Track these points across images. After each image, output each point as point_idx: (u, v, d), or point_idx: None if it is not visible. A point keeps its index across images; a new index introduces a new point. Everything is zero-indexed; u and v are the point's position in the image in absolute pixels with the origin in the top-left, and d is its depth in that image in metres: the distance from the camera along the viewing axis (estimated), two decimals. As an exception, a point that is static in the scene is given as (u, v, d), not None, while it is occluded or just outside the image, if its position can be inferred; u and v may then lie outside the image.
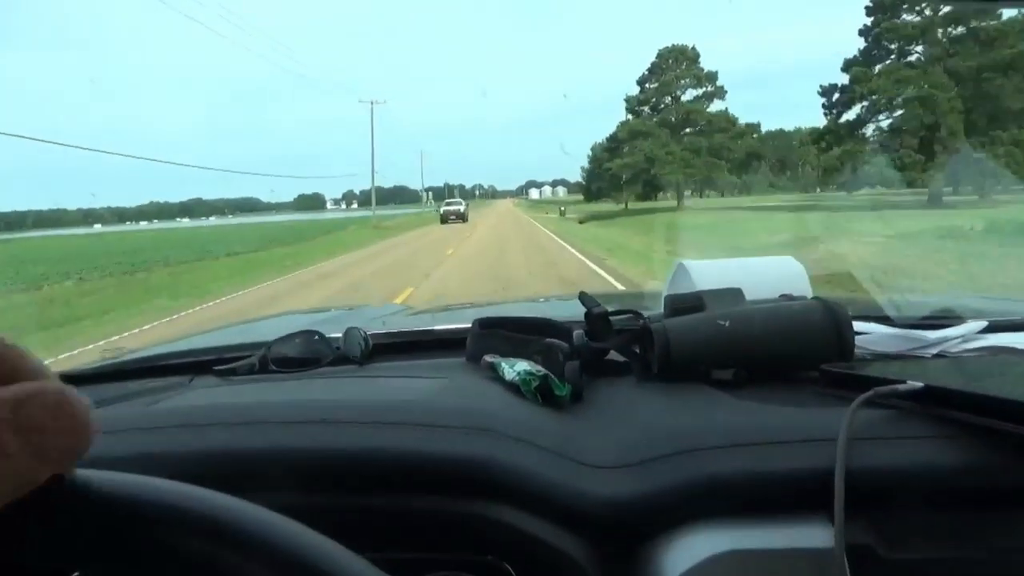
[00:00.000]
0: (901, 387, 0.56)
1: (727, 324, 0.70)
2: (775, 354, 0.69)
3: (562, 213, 39.06)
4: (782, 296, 0.79)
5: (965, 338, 0.90)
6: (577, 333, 0.80)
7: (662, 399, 0.66)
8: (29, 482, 0.23)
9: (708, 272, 0.86)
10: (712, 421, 0.59)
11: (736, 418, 0.58)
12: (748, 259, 0.89)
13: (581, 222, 29.04)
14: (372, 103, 47.71)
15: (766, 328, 0.69)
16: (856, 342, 0.87)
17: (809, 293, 0.82)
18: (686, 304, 0.75)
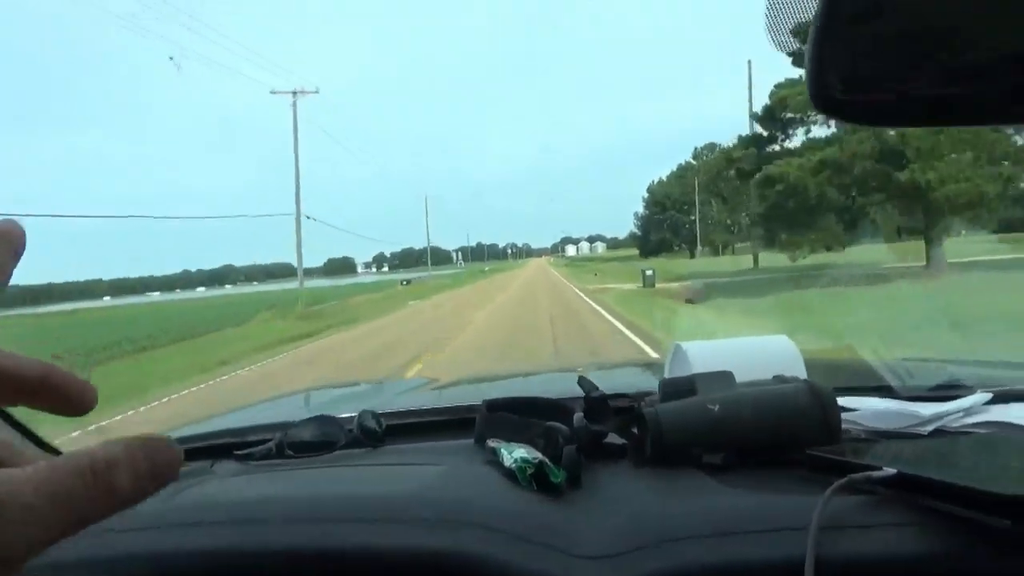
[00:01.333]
0: (875, 474, 0.61)
1: (717, 409, 0.76)
2: (763, 438, 0.74)
3: (647, 279, 22.73)
4: (775, 377, 0.85)
5: (968, 411, 0.93)
6: (577, 416, 0.86)
7: (653, 485, 0.72)
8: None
9: (704, 353, 0.92)
10: (697, 509, 0.64)
11: (719, 506, 0.64)
12: (743, 339, 0.95)
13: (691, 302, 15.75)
14: (426, 198, 58.72)
15: (754, 412, 0.75)
16: (854, 419, 0.91)
17: (803, 373, 0.88)
18: (679, 388, 0.81)
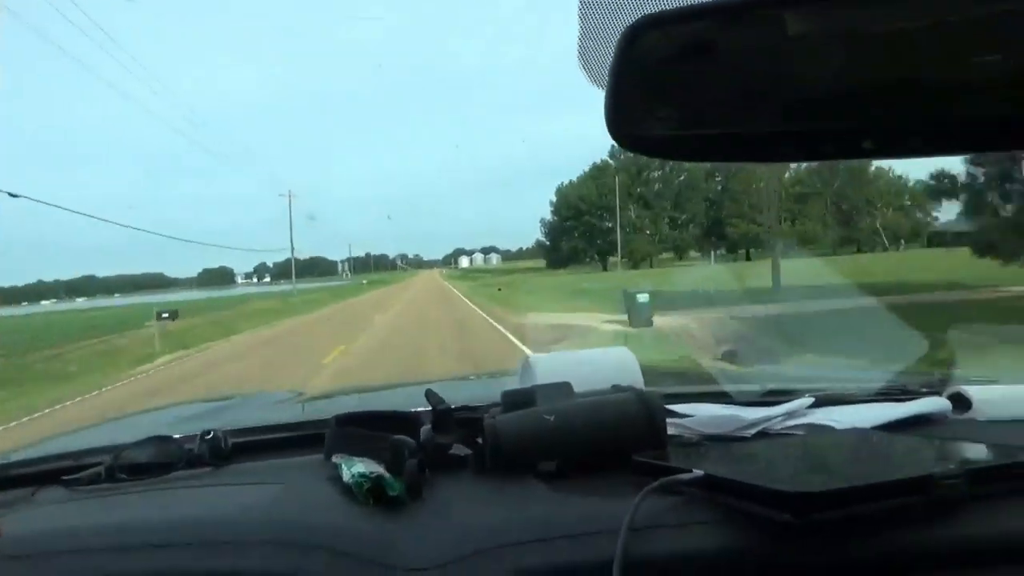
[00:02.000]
0: (684, 476, 0.67)
1: (552, 418, 0.80)
2: (595, 445, 0.80)
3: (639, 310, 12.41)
4: (613, 387, 0.91)
5: (791, 415, 1.04)
6: (424, 429, 0.88)
7: (489, 494, 0.75)
8: None
9: (550, 366, 0.97)
10: (524, 515, 0.68)
11: (544, 512, 0.68)
12: (586, 351, 1.02)
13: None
14: (290, 195, 53.07)
15: (586, 421, 0.80)
16: (687, 424, 0.99)
17: (640, 382, 0.95)
18: (519, 399, 0.85)
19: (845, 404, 1.10)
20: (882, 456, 0.77)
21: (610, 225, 60.78)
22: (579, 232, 64.13)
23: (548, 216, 66.30)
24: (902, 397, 1.11)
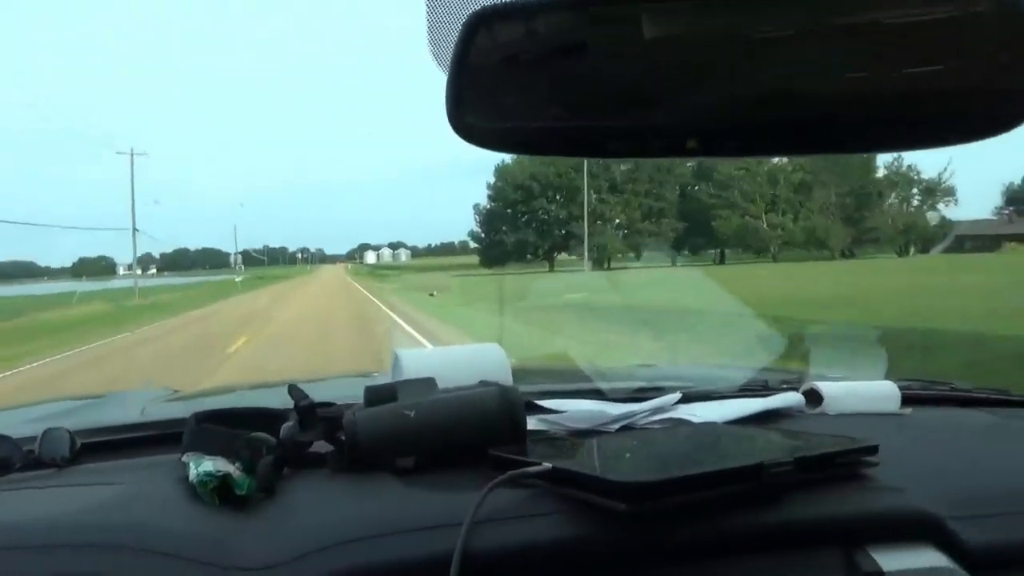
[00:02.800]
0: (530, 469, 0.70)
1: (413, 414, 0.81)
2: (455, 440, 0.81)
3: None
4: (480, 382, 0.93)
5: (656, 410, 1.10)
6: (286, 426, 0.87)
7: (342, 491, 0.75)
8: None
9: (419, 361, 0.98)
10: (372, 511, 0.68)
11: (391, 507, 0.69)
12: (457, 347, 1.04)
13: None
14: (132, 152, 41.72)
15: (446, 416, 0.82)
16: (556, 420, 1.03)
17: (508, 378, 0.97)
18: (381, 395, 0.85)
19: (710, 400, 1.18)
20: (720, 447, 0.83)
21: (567, 213, 49.38)
22: (527, 221, 51.10)
23: (484, 203, 51.98)
24: (762, 393, 1.20)
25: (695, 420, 1.03)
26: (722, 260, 49.40)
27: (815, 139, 0.52)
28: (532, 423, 1.04)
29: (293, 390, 0.89)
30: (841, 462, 0.76)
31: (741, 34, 0.51)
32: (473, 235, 49.41)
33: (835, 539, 0.70)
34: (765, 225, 49.41)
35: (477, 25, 0.49)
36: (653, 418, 1.07)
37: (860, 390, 1.19)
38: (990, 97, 0.51)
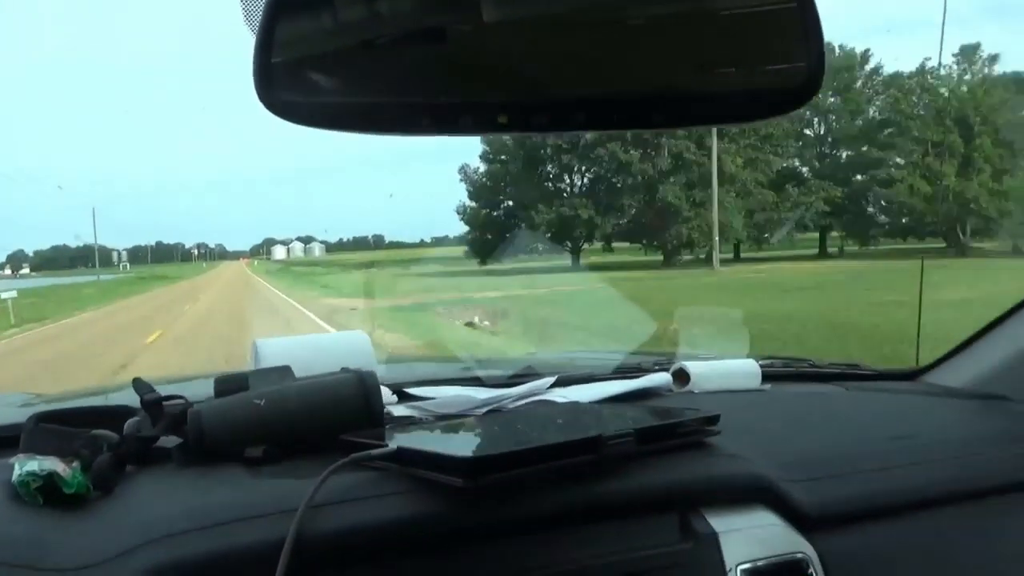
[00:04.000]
0: (375, 451, 0.72)
1: (263, 403, 0.82)
2: (309, 428, 0.82)
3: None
4: (342, 370, 0.94)
5: (526, 394, 1.14)
6: (131, 421, 0.86)
7: (184, 485, 0.75)
8: None
9: (279, 350, 0.98)
10: (205, 503, 0.69)
11: (229, 498, 0.69)
12: (320, 335, 1.05)
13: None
14: None
15: (299, 403, 0.83)
16: (425, 407, 1.06)
17: (373, 365, 0.99)
18: (231, 385, 0.85)
19: (584, 383, 1.23)
20: (568, 423, 0.88)
21: (649, 170, 28.28)
22: (557, 185, 31.58)
23: (479, 165, 32.41)
24: (635, 375, 1.26)
25: (561, 401, 1.08)
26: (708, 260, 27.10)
27: (622, 115, 0.57)
28: (401, 410, 1.06)
29: (138, 384, 0.88)
30: (683, 432, 0.82)
31: (547, 15, 0.55)
32: (463, 212, 33.79)
33: (673, 505, 0.76)
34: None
35: None
36: (521, 402, 1.12)
37: (724, 369, 1.28)
38: (781, 78, 0.57)
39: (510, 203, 35.63)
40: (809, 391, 1.29)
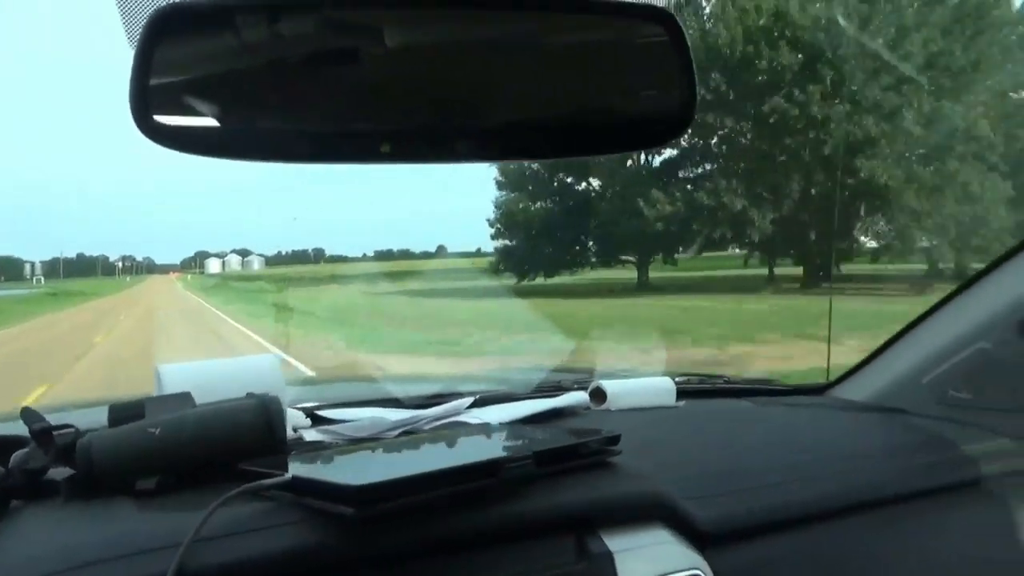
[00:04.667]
0: (267, 481, 0.72)
1: (158, 431, 0.80)
2: (207, 457, 0.81)
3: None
4: (248, 395, 0.93)
5: (443, 415, 1.15)
6: (18, 453, 0.83)
7: (70, 519, 0.73)
8: None
9: (182, 376, 0.97)
10: (87, 539, 0.67)
11: (115, 533, 0.68)
12: (228, 360, 1.03)
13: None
14: None
15: (196, 431, 0.81)
16: (337, 430, 1.05)
17: (282, 390, 0.98)
18: (126, 413, 0.84)
19: (503, 402, 1.25)
20: (470, 446, 0.90)
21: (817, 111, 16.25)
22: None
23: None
24: (554, 393, 1.29)
25: (474, 422, 1.10)
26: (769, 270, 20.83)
27: (506, 144, 0.59)
28: (314, 435, 1.06)
29: (27, 414, 0.85)
30: (584, 453, 0.84)
31: (424, 46, 0.57)
32: (499, 206, 24.05)
33: (570, 526, 0.78)
34: None
35: (162, 23, 0.51)
36: (438, 423, 1.12)
37: (640, 387, 1.31)
38: (658, 109, 0.60)
39: (594, 186, 22.72)
40: (721, 407, 1.34)
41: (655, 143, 0.60)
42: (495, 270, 24.71)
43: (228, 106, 0.54)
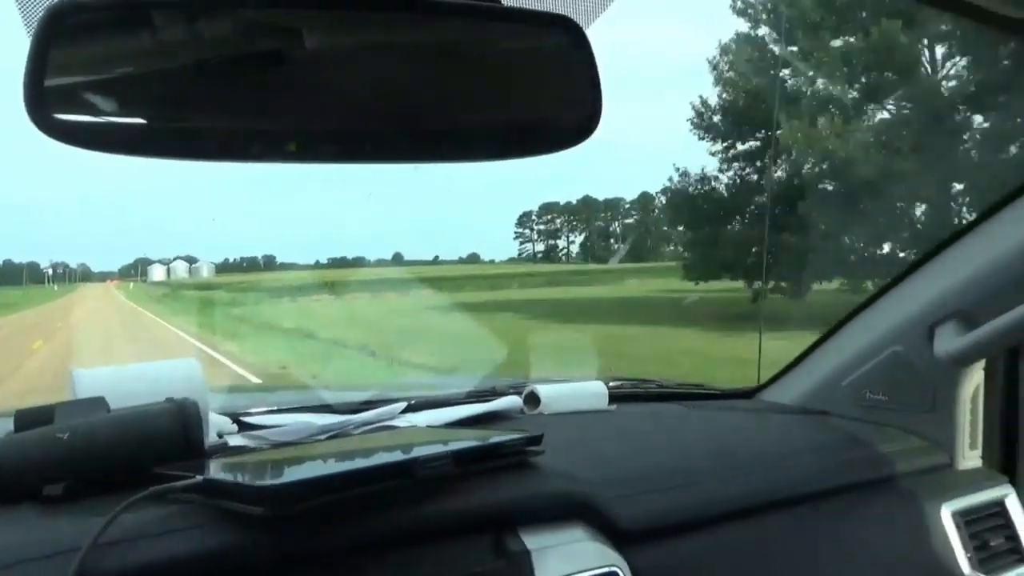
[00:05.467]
0: (177, 484, 0.71)
1: (66, 436, 0.78)
2: (120, 462, 0.80)
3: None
4: (167, 400, 0.92)
5: (373, 420, 1.15)
6: None
7: None
8: None
9: (99, 380, 0.95)
10: None
11: (14, 540, 0.66)
12: (148, 364, 1.01)
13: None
14: None
15: (110, 437, 0.80)
16: (263, 435, 1.04)
17: (204, 394, 0.97)
18: (33, 418, 0.81)
19: (437, 407, 1.25)
20: (392, 448, 0.90)
21: None
22: None
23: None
24: (489, 398, 1.30)
25: (403, 425, 1.10)
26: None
27: (413, 147, 0.60)
28: (238, 440, 1.04)
29: None
30: (504, 453, 0.86)
31: (342, 49, 0.58)
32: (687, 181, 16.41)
33: (488, 525, 0.79)
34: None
35: (60, 17, 0.51)
36: (364, 428, 1.12)
37: (573, 391, 1.33)
38: (565, 116, 0.62)
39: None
40: (652, 411, 1.37)
41: (561, 147, 0.62)
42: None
43: (129, 102, 0.54)
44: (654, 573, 0.86)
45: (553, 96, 0.62)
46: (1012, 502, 1.20)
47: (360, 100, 0.58)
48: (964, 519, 1.13)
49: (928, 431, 1.22)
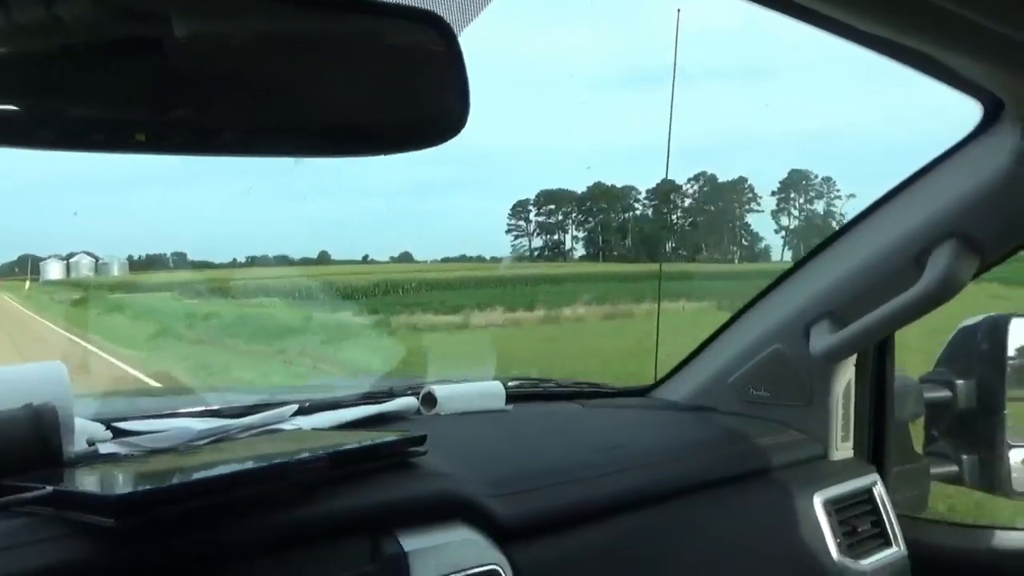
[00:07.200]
0: (27, 495, 0.67)
1: None
2: None
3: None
4: (24, 406, 0.86)
5: (258, 424, 1.12)
6: None
7: None
8: None
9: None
10: None
11: None
12: (8, 367, 0.95)
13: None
14: None
15: None
16: (137, 442, 1.00)
17: (69, 400, 0.92)
18: None
19: (329, 410, 1.23)
20: (268, 452, 0.88)
21: None
22: None
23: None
24: (384, 399, 1.28)
25: (288, 428, 1.07)
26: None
27: (271, 141, 0.59)
28: (110, 447, 0.99)
29: None
30: (384, 454, 0.85)
31: (193, 36, 0.56)
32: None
33: (365, 528, 0.78)
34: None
35: None
36: (252, 432, 1.09)
37: (470, 391, 1.33)
38: (433, 114, 0.62)
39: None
40: (548, 410, 1.39)
41: (429, 144, 0.62)
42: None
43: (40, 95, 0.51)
44: (537, 569, 0.87)
45: (420, 94, 0.61)
46: (879, 489, 1.28)
47: (221, 91, 0.56)
48: (835, 507, 1.19)
49: (805, 424, 1.29)
